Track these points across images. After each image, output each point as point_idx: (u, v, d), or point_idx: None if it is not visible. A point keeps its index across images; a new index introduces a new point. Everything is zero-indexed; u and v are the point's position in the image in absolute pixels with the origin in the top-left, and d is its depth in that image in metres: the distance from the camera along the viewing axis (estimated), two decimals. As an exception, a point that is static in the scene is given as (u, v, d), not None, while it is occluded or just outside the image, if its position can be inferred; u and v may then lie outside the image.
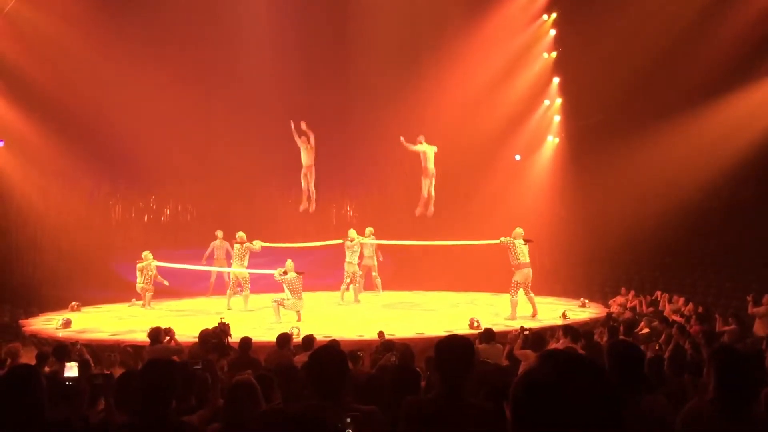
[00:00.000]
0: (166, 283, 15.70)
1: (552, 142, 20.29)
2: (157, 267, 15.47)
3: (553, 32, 19.78)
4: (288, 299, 13.32)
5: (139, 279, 15.34)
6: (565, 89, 19.72)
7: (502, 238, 13.78)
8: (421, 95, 18.78)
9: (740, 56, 15.41)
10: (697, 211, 16.64)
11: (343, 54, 19.62)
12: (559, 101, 20.04)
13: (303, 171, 16.59)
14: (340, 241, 16.37)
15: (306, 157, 16.49)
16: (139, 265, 15.31)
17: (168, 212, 21.56)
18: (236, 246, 15.38)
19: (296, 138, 16.33)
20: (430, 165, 16.06)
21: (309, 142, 16.36)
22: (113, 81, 17.24)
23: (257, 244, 15.25)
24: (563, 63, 19.55)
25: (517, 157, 20.65)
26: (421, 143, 15.99)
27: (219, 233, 17.43)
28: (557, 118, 20.18)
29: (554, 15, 19.63)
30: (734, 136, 15.55)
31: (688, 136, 15.88)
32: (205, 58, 19.11)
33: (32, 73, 15.77)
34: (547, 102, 20.18)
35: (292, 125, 16.27)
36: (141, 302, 15.45)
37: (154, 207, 21.39)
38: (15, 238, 17.46)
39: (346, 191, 22.57)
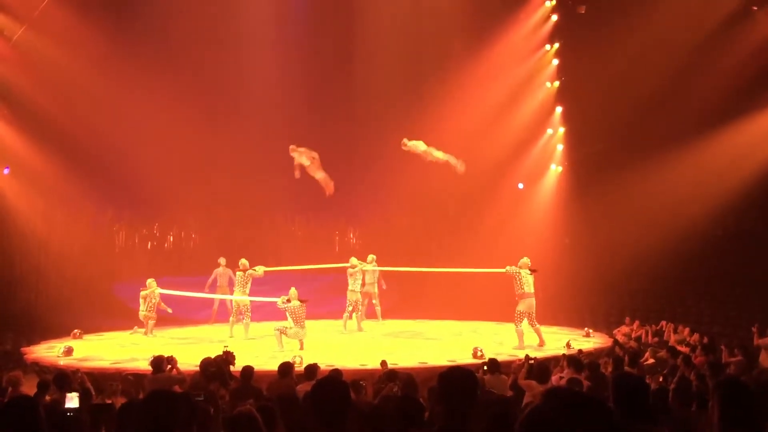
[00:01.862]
0: (170, 310, 15.66)
1: (555, 170, 20.33)
2: (161, 295, 15.43)
3: (555, 62, 19.91)
4: (291, 327, 13.25)
5: (142, 306, 15.30)
6: (567, 118, 19.81)
7: (508, 267, 13.78)
8: (425, 123, 18.85)
9: (743, 86, 15.48)
10: (701, 240, 16.59)
11: (347, 82, 19.80)
12: (561, 130, 20.12)
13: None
14: (343, 264, 16.35)
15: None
16: (142, 293, 15.28)
17: (171, 239, 21.59)
18: (239, 273, 15.27)
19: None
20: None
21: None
22: (118, 108, 17.40)
23: (260, 270, 15.20)
24: (566, 92, 19.65)
25: (521, 186, 20.67)
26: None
27: (222, 261, 17.41)
28: (560, 147, 20.24)
29: (557, 45, 19.77)
30: (738, 165, 15.58)
31: (691, 164, 15.90)
32: (210, 85, 19.26)
33: (38, 99, 15.90)
34: (550, 131, 20.25)
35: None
36: (143, 330, 15.40)
37: (158, 234, 21.43)
38: (18, 265, 17.47)
39: (350, 218, 22.59)
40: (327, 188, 16.59)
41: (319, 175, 16.48)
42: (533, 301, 13.55)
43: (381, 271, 17.03)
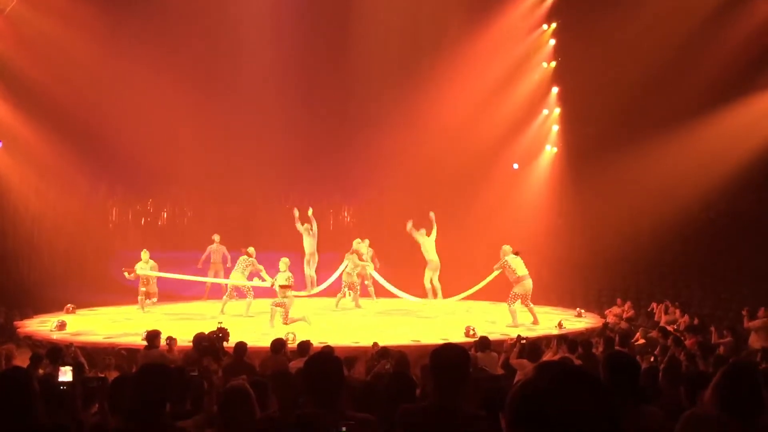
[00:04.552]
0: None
1: (550, 151, 20.31)
2: (154, 274, 15.37)
3: (552, 42, 19.82)
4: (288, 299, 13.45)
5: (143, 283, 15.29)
6: (564, 99, 19.75)
7: (495, 266, 13.89)
8: (421, 103, 18.81)
9: (739, 69, 15.47)
10: (694, 222, 16.66)
11: (343, 60, 19.66)
12: (557, 111, 20.07)
13: (306, 258, 16.43)
14: (340, 271, 16.26)
15: (308, 245, 16.39)
16: (140, 273, 15.18)
17: (165, 215, 21.54)
18: (243, 257, 15.18)
19: (298, 225, 16.35)
20: (432, 257, 15.85)
21: (311, 230, 16.28)
22: (112, 83, 17.26)
23: (265, 278, 14.96)
24: (562, 73, 19.58)
25: (515, 166, 20.66)
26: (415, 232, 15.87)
27: (216, 237, 17.41)
28: (556, 128, 20.21)
29: (554, 25, 19.68)
30: (732, 148, 15.59)
31: (686, 147, 15.91)
32: (206, 62, 19.11)
33: (32, 74, 15.76)
34: (545, 111, 20.21)
35: (296, 213, 16.35)
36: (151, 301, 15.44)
37: (152, 210, 21.37)
38: (11, 239, 17.40)
39: (345, 196, 22.56)
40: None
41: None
42: (529, 282, 13.60)
43: (374, 251, 17.07)
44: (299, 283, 15.76)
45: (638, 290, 17.38)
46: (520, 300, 13.52)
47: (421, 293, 16.26)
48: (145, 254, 15.39)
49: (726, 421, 3.14)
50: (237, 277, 15.07)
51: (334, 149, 19.96)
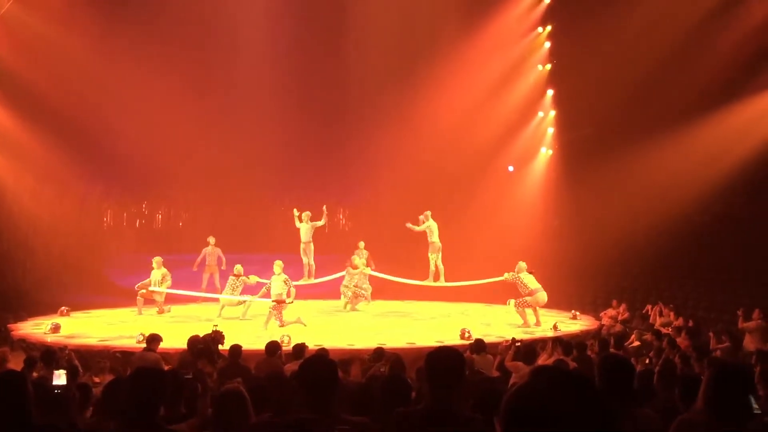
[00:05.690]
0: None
1: (545, 153, 20.34)
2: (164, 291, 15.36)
3: (548, 44, 19.86)
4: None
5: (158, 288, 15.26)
6: (558, 101, 19.79)
7: (506, 274, 14.00)
8: (417, 106, 18.82)
9: (734, 71, 15.49)
10: (689, 224, 16.67)
11: (339, 63, 19.69)
12: (552, 113, 20.10)
13: (302, 247, 16.42)
14: (342, 273, 16.25)
15: (304, 233, 16.40)
16: (156, 279, 15.19)
17: (160, 218, 21.52)
18: (231, 278, 15.20)
19: (296, 222, 16.35)
20: (435, 239, 15.87)
21: (310, 220, 16.35)
22: (108, 85, 17.24)
23: (252, 279, 15.07)
24: (557, 75, 19.63)
25: (510, 169, 20.68)
26: (425, 221, 15.86)
27: (211, 239, 17.37)
28: (551, 130, 20.24)
29: (549, 27, 19.72)
30: (727, 151, 15.61)
31: (681, 149, 15.93)
32: (202, 64, 19.11)
33: (27, 75, 15.72)
34: (540, 114, 20.24)
35: (295, 213, 16.35)
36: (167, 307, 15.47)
37: (147, 212, 21.36)
38: (5, 241, 17.35)
39: (340, 199, 22.55)
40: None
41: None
42: (543, 295, 13.76)
43: (370, 253, 17.06)
44: (298, 272, 15.82)
45: (633, 292, 17.37)
46: (527, 306, 13.68)
47: (420, 295, 16.25)
48: (155, 262, 15.37)
49: (716, 425, 3.15)
50: (228, 295, 15.13)
51: (330, 152, 19.97)
